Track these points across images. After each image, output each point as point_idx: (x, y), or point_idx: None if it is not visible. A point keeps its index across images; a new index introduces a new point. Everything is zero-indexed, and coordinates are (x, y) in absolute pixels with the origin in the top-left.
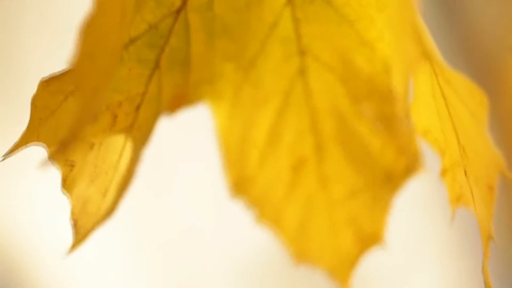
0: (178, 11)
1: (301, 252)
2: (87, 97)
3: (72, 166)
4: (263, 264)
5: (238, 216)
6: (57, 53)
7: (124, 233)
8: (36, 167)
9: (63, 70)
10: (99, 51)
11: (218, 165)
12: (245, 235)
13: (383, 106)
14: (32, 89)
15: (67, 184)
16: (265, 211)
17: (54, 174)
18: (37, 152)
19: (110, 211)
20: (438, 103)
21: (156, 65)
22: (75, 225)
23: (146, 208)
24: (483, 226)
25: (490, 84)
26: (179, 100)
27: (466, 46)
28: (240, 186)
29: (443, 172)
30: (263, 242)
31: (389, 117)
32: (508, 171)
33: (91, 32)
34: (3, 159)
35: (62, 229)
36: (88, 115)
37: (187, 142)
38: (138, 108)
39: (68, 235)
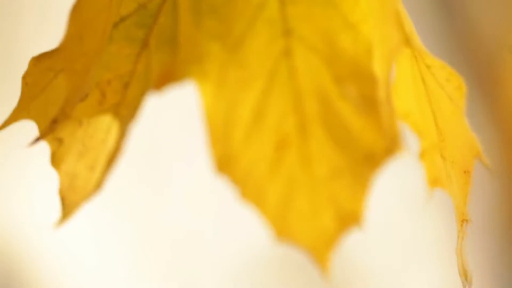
0: None
1: (282, 230)
2: (77, 76)
3: (60, 142)
4: (263, 265)
5: (237, 216)
6: None
7: (123, 233)
8: (38, 163)
9: (54, 47)
10: (88, 31)
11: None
12: (244, 235)
13: (366, 88)
14: None
15: (55, 160)
16: (248, 188)
17: (55, 173)
18: (38, 153)
19: (97, 186)
20: (418, 87)
21: (145, 43)
22: (63, 200)
23: (145, 208)
24: (459, 209)
25: (490, 84)
26: (166, 78)
27: (466, 46)
28: (224, 164)
29: (421, 154)
30: (263, 242)
31: (371, 98)
32: (484, 156)
33: (80, 11)
34: None
35: (62, 229)
36: (78, 93)
37: (186, 143)
38: (126, 86)
39: (68, 234)
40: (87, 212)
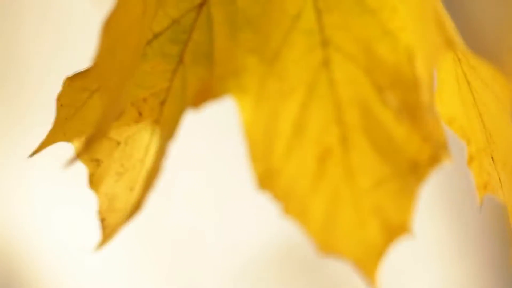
0: (201, 5)
1: (327, 244)
2: (111, 94)
3: (98, 163)
4: (263, 265)
5: (238, 216)
6: (58, 53)
7: (124, 233)
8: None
9: (87, 66)
10: (121, 47)
11: (218, 166)
12: (245, 236)
13: (407, 95)
14: (32, 89)
15: (94, 182)
16: (291, 204)
17: (55, 173)
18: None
19: (138, 206)
20: (463, 90)
21: (180, 60)
22: (103, 222)
23: (146, 208)
24: None
25: None
26: (204, 95)
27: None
28: (266, 179)
29: (470, 160)
30: (263, 242)
31: (414, 106)
32: None
33: (112, 28)
34: (29, 157)
35: (62, 229)
36: (113, 112)
37: (188, 144)
38: (163, 103)
39: (67, 234)
40: (87, 212)
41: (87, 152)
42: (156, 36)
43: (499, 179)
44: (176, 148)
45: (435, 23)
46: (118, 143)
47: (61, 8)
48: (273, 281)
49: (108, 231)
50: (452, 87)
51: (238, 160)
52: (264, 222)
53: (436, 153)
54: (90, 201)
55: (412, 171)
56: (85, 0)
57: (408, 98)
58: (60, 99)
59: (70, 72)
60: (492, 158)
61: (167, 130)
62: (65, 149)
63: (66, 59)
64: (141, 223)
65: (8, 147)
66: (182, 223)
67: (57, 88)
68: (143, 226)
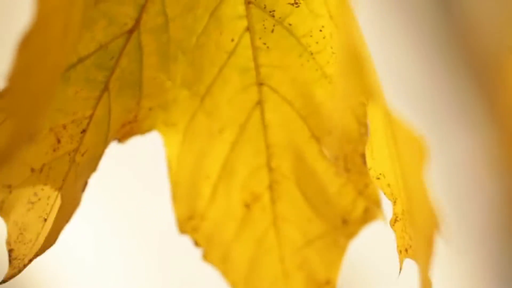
0: (131, 31)
1: None
2: (24, 117)
3: (10, 189)
4: None
5: None
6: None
7: (123, 233)
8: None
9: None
10: (37, 68)
11: None
12: None
13: (343, 145)
14: None
15: (4, 209)
16: (213, 250)
17: None
18: None
19: (51, 239)
20: (391, 146)
21: (105, 87)
22: (11, 253)
23: (145, 208)
24: (423, 274)
25: (490, 84)
26: (129, 127)
27: (465, 46)
28: (188, 223)
29: (393, 221)
30: None
31: (349, 157)
32: (442, 229)
33: (29, 47)
34: None
35: (64, 233)
36: (26, 136)
37: None
38: (84, 131)
39: (67, 234)
40: (88, 212)
41: None
42: (81, 59)
43: (417, 243)
44: None
45: (356, 70)
46: (33, 170)
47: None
48: None
49: (16, 263)
50: (382, 141)
51: None
52: None
53: (369, 209)
54: (90, 200)
55: (343, 227)
56: None
57: (344, 149)
58: None
59: None
60: (412, 220)
61: (87, 160)
62: None
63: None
64: (141, 223)
65: None
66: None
67: None
68: (143, 226)
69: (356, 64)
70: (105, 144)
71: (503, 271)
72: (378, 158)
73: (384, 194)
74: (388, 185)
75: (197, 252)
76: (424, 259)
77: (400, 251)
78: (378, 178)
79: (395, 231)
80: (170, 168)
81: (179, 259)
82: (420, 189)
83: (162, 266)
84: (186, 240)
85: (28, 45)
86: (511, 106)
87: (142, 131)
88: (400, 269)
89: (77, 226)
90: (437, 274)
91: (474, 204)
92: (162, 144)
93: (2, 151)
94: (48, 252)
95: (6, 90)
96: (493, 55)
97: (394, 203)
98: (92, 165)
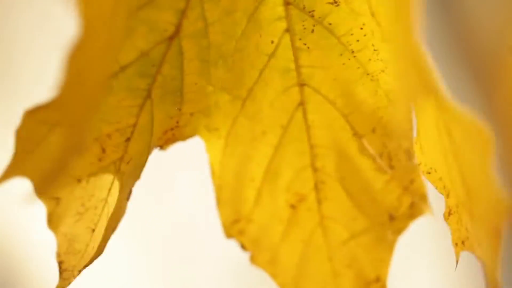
0: (171, 38)
1: None
2: (74, 128)
3: (57, 201)
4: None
5: None
6: (55, 51)
7: (123, 233)
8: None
9: (48, 99)
10: (85, 79)
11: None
12: None
13: (387, 142)
14: (29, 86)
15: (52, 221)
16: (260, 253)
17: None
18: None
19: (100, 248)
20: (444, 140)
21: (148, 94)
22: (61, 265)
23: (145, 208)
24: (489, 272)
25: (490, 84)
26: (171, 134)
27: (465, 46)
28: (235, 227)
29: (447, 214)
30: None
31: (393, 153)
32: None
33: (78, 58)
34: None
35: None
36: (74, 147)
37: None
38: (128, 140)
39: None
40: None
41: (46, 189)
42: (122, 68)
43: (478, 236)
44: (176, 148)
45: (418, 68)
46: (79, 181)
47: (59, 13)
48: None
49: (66, 274)
50: (433, 136)
51: None
52: None
53: (416, 204)
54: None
55: (390, 223)
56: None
57: (388, 146)
58: (19, 132)
59: None
60: (470, 213)
61: (132, 168)
62: None
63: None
64: (142, 223)
65: (8, 146)
66: (182, 223)
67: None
68: (143, 226)
69: (414, 58)
70: (148, 152)
71: (504, 271)
72: (429, 152)
73: (436, 188)
74: (440, 179)
75: (197, 253)
76: (489, 252)
77: (456, 244)
78: (429, 173)
79: (449, 224)
80: (213, 172)
81: (179, 260)
82: (483, 180)
83: (164, 267)
84: (187, 240)
85: (77, 56)
86: (510, 106)
87: (184, 137)
88: (457, 262)
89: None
90: (436, 274)
91: None
92: (204, 149)
93: (55, 164)
94: (48, 252)
95: (57, 100)
96: (493, 55)
97: (447, 196)
98: (136, 173)
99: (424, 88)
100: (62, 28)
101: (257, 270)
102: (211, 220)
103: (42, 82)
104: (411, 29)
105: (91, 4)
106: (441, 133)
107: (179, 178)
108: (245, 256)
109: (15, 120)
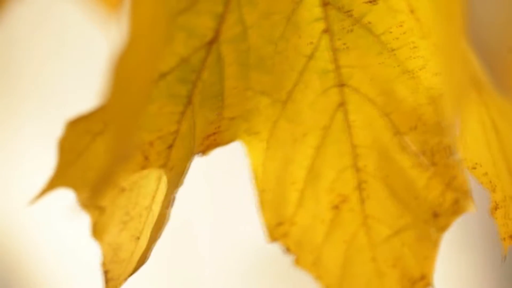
0: (211, 43)
1: None
2: (119, 137)
3: (102, 211)
4: (264, 264)
5: (238, 216)
6: (54, 50)
7: None
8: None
9: (90, 109)
10: (129, 87)
11: (217, 167)
12: (246, 234)
13: (428, 139)
14: (30, 82)
15: (97, 231)
16: (305, 255)
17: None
18: (39, 150)
19: (144, 257)
20: (489, 134)
21: (189, 101)
22: (107, 274)
23: None
24: None
25: (490, 83)
26: (212, 139)
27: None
28: (278, 230)
29: (493, 209)
30: (265, 242)
31: (435, 150)
32: None
33: (123, 66)
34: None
35: (62, 229)
36: (119, 157)
37: None
38: (170, 147)
39: (67, 234)
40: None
41: (90, 199)
42: (163, 75)
43: None
44: None
45: (461, 62)
46: (123, 190)
47: (58, 13)
48: (273, 281)
49: (112, 283)
50: (477, 131)
51: (237, 160)
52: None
53: (459, 201)
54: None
55: (433, 220)
56: (79, 6)
57: (429, 142)
58: (61, 143)
59: (66, 68)
60: None
61: (174, 175)
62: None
63: (62, 56)
64: None
65: (8, 145)
66: (182, 223)
67: (53, 83)
68: None
69: (458, 52)
70: (190, 158)
71: (503, 271)
72: (473, 148)
73: (481, 183)
74: (485, 173)
75: (198, 253)
76: None
77: (504, 238)
78: (474, 168)
79: (495, 218)
80: (255, 176)
81: (179, 257)
82: None
83: (162, 266)
84: (186, 240)
85: (122, 64)
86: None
87: (224, 142)
88: (505, 256)
89: (78, 225)
90: (436, 274)
91: (475, 203)
92: (245, 153)
93: (99, 174)
94: (48, 252)
95: (102, 109)
96: (494, 55)
97: (493, 191)
98: (179, 180)
99: (469, 82)
100: (62, 27)
101: (258, 270)
102: (212, 220)
103: (42, 82)
104: (453, 22)
105: (136, 11)
106: (485, 127)
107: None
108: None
109: (15, 118)
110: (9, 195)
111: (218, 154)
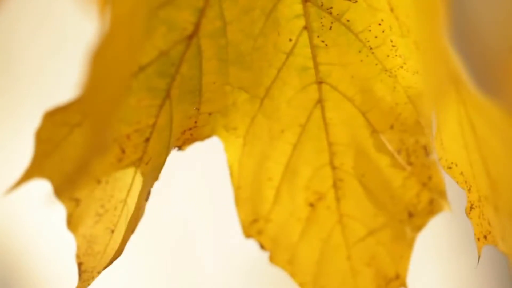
0: (190, 37)
1: None
2: (96, 128)
3: (77, 203)
4: (264, 264)
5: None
6: (53, 49)
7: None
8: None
9: (68, 100)
10: (108, 79)
11: (216, 166)
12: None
13: (405, 138)
14: (28, 81)
15: (72, 223)
16: (279, 252)
17: None
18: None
19: (119, 250)
20: (466, 133)
21: (167, 94)
22: (81, 266)
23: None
24: None
25: (491, 85)
26: (189, 134)
27: (466, 47)
28: (253, 226)
29: (469, 209)
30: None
31: (411, 150)
32: None
33: (101, 59)
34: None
35: (63, 229)
36: (96, 148)
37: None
38: (147, 140)
39: (67, 234)
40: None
41: (66, 190)
42: (142, 68)
43: (504, 228)
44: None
45: (441, 60)
46: (99, 182)
47: (57, 12)
48: (274, 281)
49: (86, 276)
50: (454, 130)
51: None
52: None
53: (435, 201)
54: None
55: (409, 220)
56: (77, 5)
57: (406, 142)
58: (39, 133)
59: (66, 67)
60: (495, 206)
61: (151, 169)
62: None
63: (62, 55)
64: (142, 223)
65: (7, 144)
66: (182, 223)
67: (52, 82)
68: (143, 226)
69: (439, 51)
70: (167, 152)
71: (503, 269)
72: (449, 147)
73: (457, 182)
74: (461, 173)
75: (198, 253)
76: None
77: (478, 239)
78: (450, 168)
79: (471, 218)
80: (232, 172)
81: (179, 259)
82: (509, 171)
83: (162, 266)
84: (186, 240)
85: (99, 57)
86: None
87: (202, 137)
88: (479, 256)
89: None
90: (436, 274)
91: None
92: (223, 149)
93: (75, 165)
94: (48, 252)
95: (79, 101)
96: (495, 55)
97: (469, 191)
98: (155, 174)
99: (448, 80)
100: (62, 27)
101: (258, 270)
102: (212, 221)
103: (42, 80)
104: (434, 20)
105: (117, 3)
106: (463, 127)
107: (179, 179)
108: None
109: (14, 117)
110: (9, 195)
111: (218, 154)
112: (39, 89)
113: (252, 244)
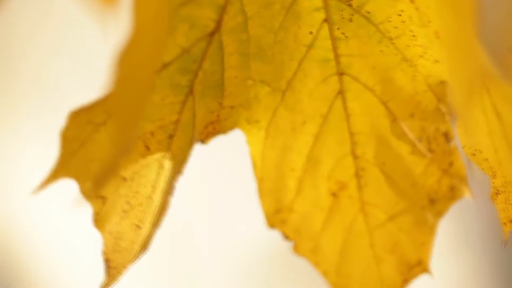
0: (212, 34)
1: (342, 282)
2: (121, 127)
3: (104, 200)
4: (264, 264)
5: (237, 216)
6: (53, 48)
7: None
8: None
9: (93, 100)
10: (133, 79)
11: (216, 165)
12: (245, 234)
13: (426, 126)
14: (29, 79)
15: (99, 220)
16: (303, 242)
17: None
18: (38, 149)
19: (145, 245)
20: (490, 121)
21: (190, 91)
22: (108, 262)
23: None
24: None
25: None
26: (212, 127)
27: None
28: (277, 217)
29: (494, 194)
30: (264, 242)
31: (432, 137)
32: None
33: (127, 58)
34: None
35: (62, 229)
36: (121, 146)
37: None
38: (171, 137)
39: (67, 235)
40: (88, 212)
41: (92, 189)
42: (165, 66)
43: None
44: None
45: (470, 52)
46: (124, 179)
47: (57, 11)
48: (274, 280)
49: (113, 272)
50: (477, 117)
51: (238, 159)
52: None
53: (456, 186)
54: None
55: (430, 206)
56: (78, 5)
57: (427, 130)
58: (64, 133)
59: (66, 66)
60: None
61: (175, 165)
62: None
63: (62, 54)
64: None
65: (7, 144)
66: (181, 224)
67: (52, 80)
68: None
69: (464, 40)
70: (190, 147)
71: (502, 270)
72: (473, 135)
73: (481, 169)
74: (485, 159)
75: (197, 253)
76: None
77: (505, 223)
78: (474, 154)
79: (496, 204)
80: (254, 164)
81: (178, 257)
82: None
83: (162, 266)
84: (185, 240)
85: (126, 56)
86: None
87: (224, 130)
88: (506, 241)
89: (78, 225)
90: (436, 274)
91: (472, 202)
92: (245, 141)
93: (101, 164)
94: (49, 252)
95: (105, 100)
96: (494, 56)
97: (494, 176)
98: (179, 169)
99: (474, 69)
100: (62, 25)
101: (258, 270)
102: (211, 220)
103: (41, 79)
104: (461, 13)
105: (140, 4)
106: (487, 115)
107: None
108: (249, 257)
109: (14, 116)
110: (9, 194)
111: (217, 154)
112: (39, 89)
113: (249, 243)
